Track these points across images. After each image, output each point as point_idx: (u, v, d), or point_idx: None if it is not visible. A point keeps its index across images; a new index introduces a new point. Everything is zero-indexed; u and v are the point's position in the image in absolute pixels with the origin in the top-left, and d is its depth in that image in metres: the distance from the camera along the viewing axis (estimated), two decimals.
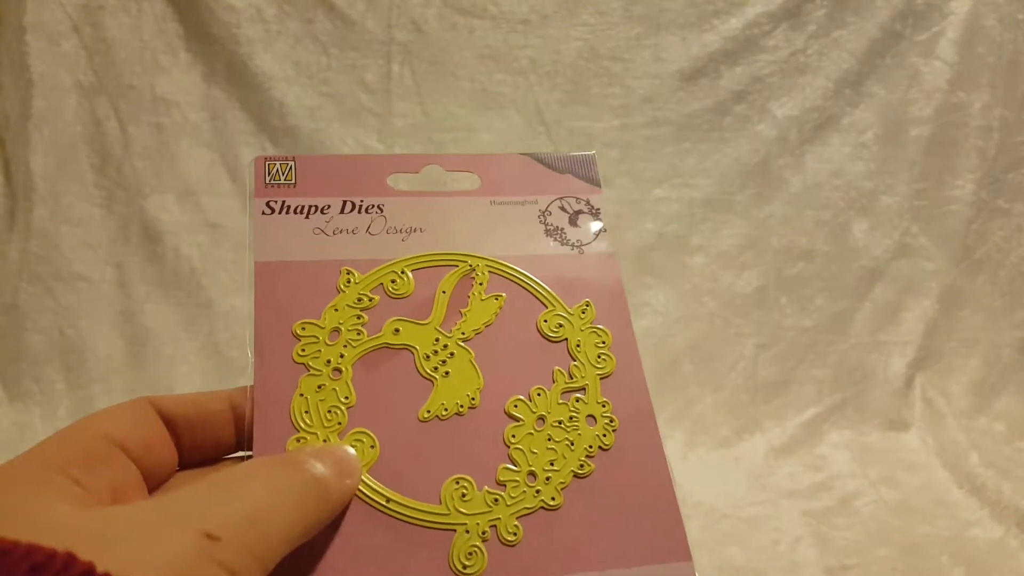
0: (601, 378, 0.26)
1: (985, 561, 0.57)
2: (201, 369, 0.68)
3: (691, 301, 0.72)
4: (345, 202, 0.28)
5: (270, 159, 0.29)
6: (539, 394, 0.26)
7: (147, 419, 0.23)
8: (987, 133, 0.74)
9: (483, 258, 0.28)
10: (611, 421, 0.26)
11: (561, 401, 0.26)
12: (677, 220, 0.71)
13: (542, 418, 0.25)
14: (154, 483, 0.22)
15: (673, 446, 0.68)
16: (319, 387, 0.25)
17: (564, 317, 0.27)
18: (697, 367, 0.71)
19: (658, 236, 0.71)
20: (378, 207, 0.28)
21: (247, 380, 0.73)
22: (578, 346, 0.27)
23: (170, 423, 0.23)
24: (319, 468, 0.21)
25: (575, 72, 0.70)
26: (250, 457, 0.23)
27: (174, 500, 0.18)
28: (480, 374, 0.26)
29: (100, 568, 0.15)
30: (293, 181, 0.28)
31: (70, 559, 0.15)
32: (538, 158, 0.31)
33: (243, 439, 0.24)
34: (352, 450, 0.23)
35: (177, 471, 0.24)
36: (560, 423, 0.25)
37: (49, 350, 0.67)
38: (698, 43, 0.71)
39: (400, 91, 0.70)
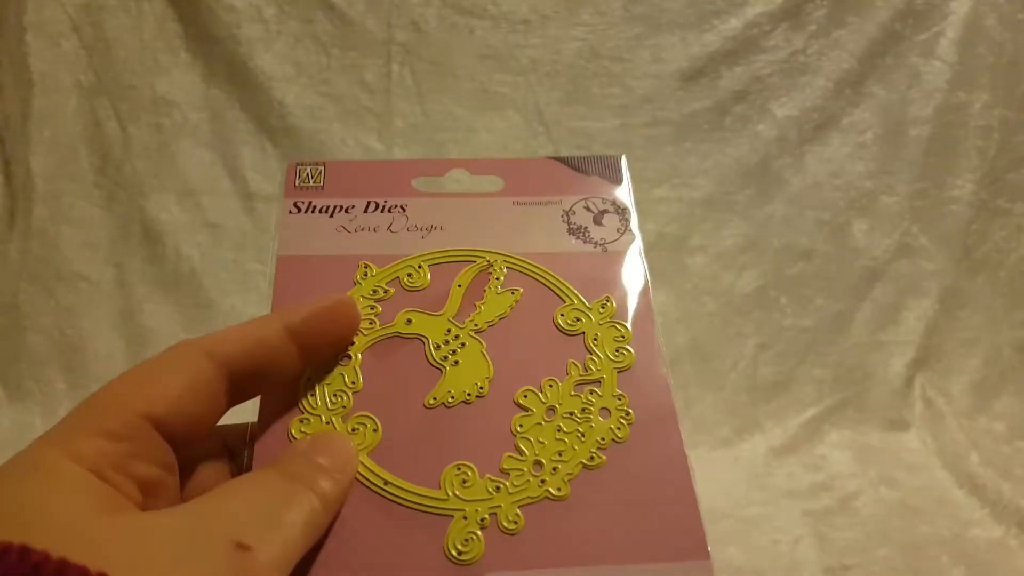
0: (618, 371, 0.26)
1: (985, 561, 0.57)
2: None
3: (691, 301, 0.72)
4: (369, 202, 0.29)
5: (301, 163, 0.30)
6: (551, 385, 0.25)
7: (198, 384, 0.21)
8: (987, 133, 0.74)
9: (502, 254, 0.28)
10: (627, 414, 0.25)
11: (574, 393, 0.25)
12: (677, 220, 0.71)
13: (552, 409, 0.25)
14: (189, 448, 0.21)
15: None
16: (327, 371, 0.25)
17: (582, 311, 0.27)
18: (697, 367, 0.71)
19: (658, 236, 0.71)
20: (401, 207, 0.29)
21: None
22: (595, 339, 0.26)
23: (231, 372, 0.22)
24: (325, 484, 0.21)
25: (575, 72, 0.70)
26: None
27: (202, 511, 0.18)
28: (491, 364, 0.26)
29: None
30: (322, 184, 0.29)
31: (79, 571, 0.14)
32: (564, 160, 0.31)
33: (305, 365, 0.24)
34: (350, 441, 0.23)
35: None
36: (571, 414, 0.25)
37: (49, 350, 0.67)
38: (698, 43, 0.70)
39: (400, 91, 0.70)
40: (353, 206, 0.29)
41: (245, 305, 0.69)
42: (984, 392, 0.74)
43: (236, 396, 0.22)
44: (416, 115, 0.70)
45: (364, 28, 0.69)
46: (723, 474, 0.65)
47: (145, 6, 0.68)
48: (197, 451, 0.22)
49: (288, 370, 0.23)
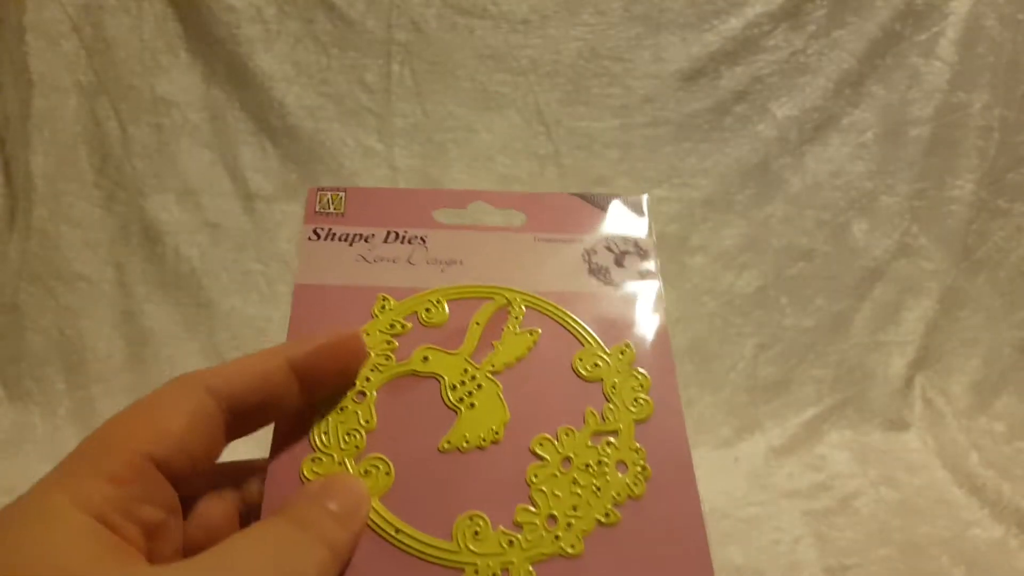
0: (636, 423, 0.25)
1: (985, 561, 0.57)
2: None
3: (691, 301, 0.72)
4: (389, 232, 0.29)
5: (322, 189, 0.30)
6: (567, 434, 0.25)
7: (199, 420, 0.21)
8: (987, 133, 0.74)
9: (521, 292, 0.28)
10: (643, 469, 0.24)
11: (591, 444, 0.25)
12: (677, 220, 0.71)
13: (568, 460, 0.24)
14: (190, 486, 0.21)
15: None
16: (340, 409, 0.24)
17: (601, 357, 0.27)
18: (697, 367, 0.71)
19: (658, 236, 0.71)
20: (421, 238, 0.29)
21: None
22: (614, 388, 0.26)
23: (231, 407, 0.21)
24: (335, 532, 0.20)
25: (575, 72, 0.70)
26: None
27: (211, 566, 0.18)
28: (507, 408, 0.25)
29: None
30: (342, 211, 0.29)
31: None
32: (588, 198, 0.30)
33: (307, 400, 0.23)
34: (362, 484, 0.23)
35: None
36: (587, 467, 0.24)
37: (49, 350, 0.67)
38: (698, 43, 0.71)
39: (400, 91, 0.70)
40: (373, 235, 0.29)
41: (245, 305, 0.69)
42: (984, 392, 0.75)
43: (236, 431, 0.22)
44: (416, 115, 0.70)
45: (364, 28, 0.69)
46: (723, 474, 0.65)
47: (145, 6, 0.68)
48: (196, 487, 0.22)
49: (289, 405, 0.23)
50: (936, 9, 0.72)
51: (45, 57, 0.67)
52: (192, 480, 0.21)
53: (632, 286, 0.28)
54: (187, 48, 0.69)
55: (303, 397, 0.23)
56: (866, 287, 0.74)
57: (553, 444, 0.25)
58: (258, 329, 0.69)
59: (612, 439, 0.25)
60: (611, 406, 0.25)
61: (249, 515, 0.23)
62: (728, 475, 0.65)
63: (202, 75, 0.69)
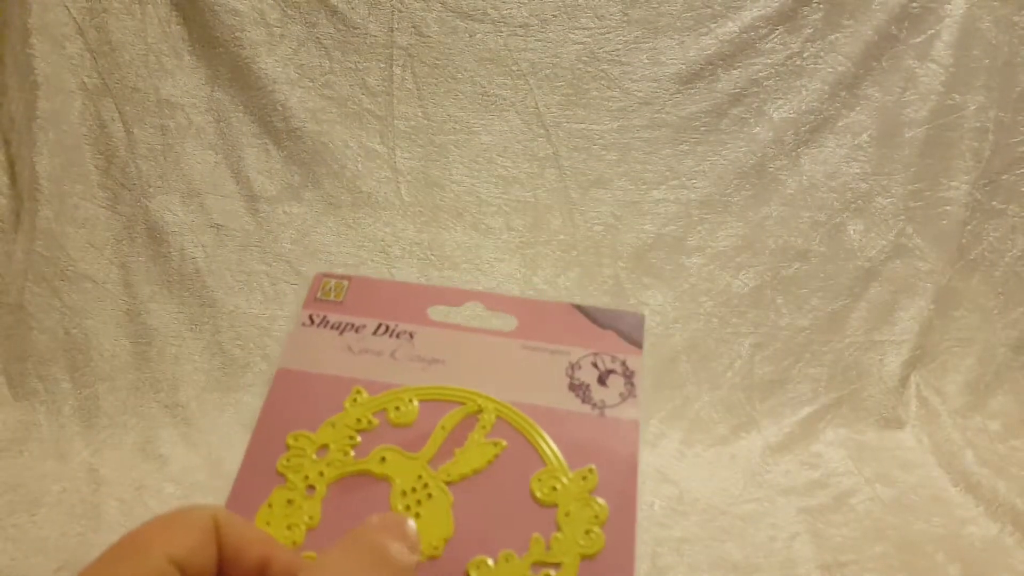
0: (583, 558, 0.24)
1: (980, 559, 0.58)
2: (205, 368, 0.68)
3: (689, 301, 0.72)
4: (380, 324, 0.29)
5: (328, 276, 0.30)
6: (507, 560, 0.23)
7: (209, 539, 0.21)
8: (982, 135, 0.74)
9: (495, 401, 0.27)
10: None
11: (529, 574, 0.23)
12: (675, 221, 0.72)
13: None
14: None
15: (671, 444, 0.68)
16: (288, 501, 0.24)
17: (560, 480, 0.25)
18: (694, 366, 0.72)
19: (656, 237, 0.72)
20: (409, 333, 0.29)
21: (249, 378, 0.74)
22: (567, 515, 0.24)
23: (219, 546, 0.21)
24: (403, 553, 0.20)
25: (574, 75, 0.71)
26: None
27: None
28: (452, 523, 0.24)
29: None
30: (342, 299, 0.29)
31: None
32: (583, 309, 0.29)
33: None
34: (412, 523, 0.22)
35: None
36: None
37: (55, 349, 0.68)
38: (695, 46, 0.71)
39: (402, 94, 0.71)
40: (364, 326, 0.28)
41: (248, 304, 0.70)
42: (979, 391, 0.75)
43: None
44: (417, 117, 0.71)
45: (366, 32, 0.70)
46: (720, 471, 0.66)
47: (149, 9, 0.69)
48: None
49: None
50: (931, 12, 0.72)
51: (50, 59, 0.68)
52: None
53: (611, 408, 0.27)
54: (191, 51, 0.70)
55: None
56: (861, 287, 0.75)
57: (489, 568, 0.23)
58: (261, 328, 0.69)
59: (553, 572, 0.23)
60: (560, 535, 0.24)
61: None
62: (725, 472, 0.66)
63: (206, 78, 0.70)
